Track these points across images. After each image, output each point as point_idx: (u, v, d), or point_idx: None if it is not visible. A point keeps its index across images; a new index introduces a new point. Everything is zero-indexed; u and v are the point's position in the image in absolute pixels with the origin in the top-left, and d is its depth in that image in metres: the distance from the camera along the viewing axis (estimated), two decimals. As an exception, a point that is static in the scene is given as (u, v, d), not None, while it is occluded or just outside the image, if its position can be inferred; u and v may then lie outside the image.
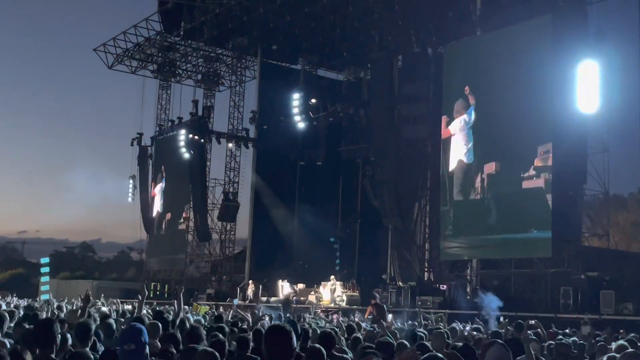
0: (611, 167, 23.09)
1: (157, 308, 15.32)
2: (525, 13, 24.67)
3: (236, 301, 31.56)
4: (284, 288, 31.10)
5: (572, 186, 23.62)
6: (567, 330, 14.11)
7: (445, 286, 26.68)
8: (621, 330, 13.85)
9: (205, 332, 7.03)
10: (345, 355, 6.90)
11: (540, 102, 23.02)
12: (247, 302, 31.11)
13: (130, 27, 37.99)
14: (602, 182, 23.26)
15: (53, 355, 5.38)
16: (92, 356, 5.31)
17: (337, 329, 9.63)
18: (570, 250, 22.89)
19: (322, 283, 29.87)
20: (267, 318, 12.77)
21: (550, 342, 9.90)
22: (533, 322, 12.15)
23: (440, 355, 4.52)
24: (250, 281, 33.36)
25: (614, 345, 8.33)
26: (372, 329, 11.64)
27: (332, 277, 29.91)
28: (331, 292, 28.76)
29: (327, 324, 13.34)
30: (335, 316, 19.75)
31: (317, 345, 5.72)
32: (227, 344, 6.41)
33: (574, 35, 23.36)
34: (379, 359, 6.04)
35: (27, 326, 7.18)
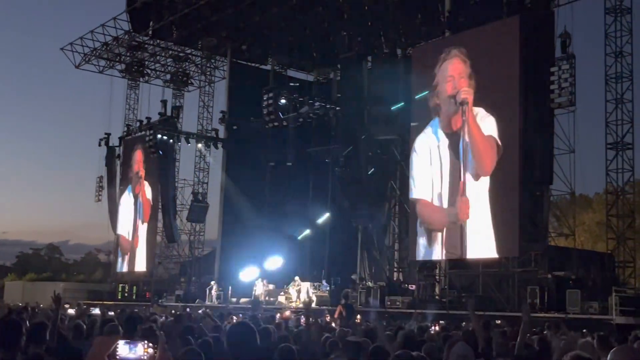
0: (577, 167, 23.39)
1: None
2: (493, 13, 24.89)
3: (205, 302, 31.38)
4: (258, 287, 30.82)
5: (538, 186, 23.90)
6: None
7: (414, 286, 26.84)
8: (584, 330, 14.02)
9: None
10: None
11: (509, 102, 23.23)
12: (218, 303, 30.92)
13: (98, 26, 37.66)
14: (569, 182, 23.56)
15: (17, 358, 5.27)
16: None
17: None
18: (537, 250, 23.14)
19: (292, 284, 29.77)
20: (234, 319, 12.72)
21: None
22: (499, 321, 12.30)
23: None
24: (212, 282, 33.21)
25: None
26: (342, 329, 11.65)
27: (297, 277, 29.57)
28: (297, 293, 28.63)
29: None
30: (303, 318, 19.70)
31: (288, 345, 5.72)
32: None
33: (542, 35, 23.63)
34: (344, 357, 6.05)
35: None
